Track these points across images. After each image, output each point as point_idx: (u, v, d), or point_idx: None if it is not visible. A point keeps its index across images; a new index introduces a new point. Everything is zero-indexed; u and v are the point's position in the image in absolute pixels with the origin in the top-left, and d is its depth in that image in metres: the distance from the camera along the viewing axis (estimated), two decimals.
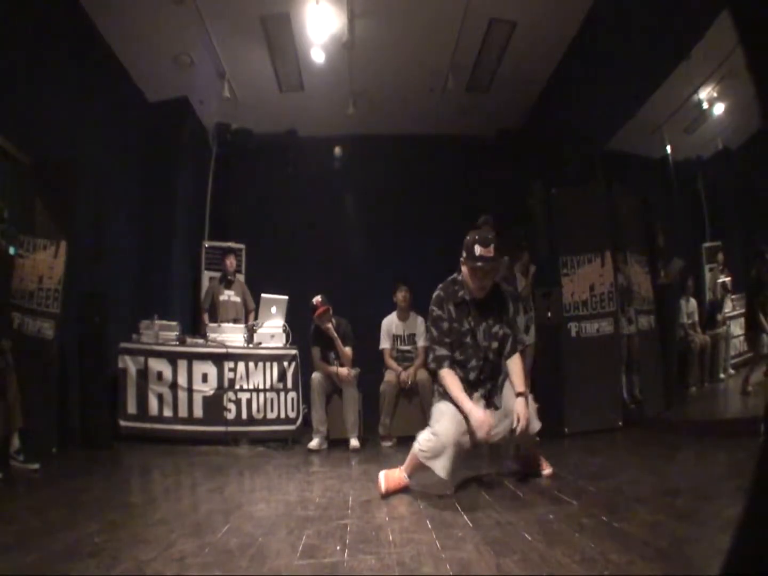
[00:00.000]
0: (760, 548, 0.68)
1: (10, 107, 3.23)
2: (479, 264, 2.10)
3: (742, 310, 3.87)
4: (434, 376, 2.30)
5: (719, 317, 4.05)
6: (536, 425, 2.15)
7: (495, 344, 2.21)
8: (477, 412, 2.03)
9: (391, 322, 4.15)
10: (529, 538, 1.42)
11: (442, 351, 2.18)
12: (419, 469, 2.13)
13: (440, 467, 2.00)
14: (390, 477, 2.16)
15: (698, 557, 1.23)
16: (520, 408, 2.08)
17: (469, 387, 2.18)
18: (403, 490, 2.14)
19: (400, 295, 4.11)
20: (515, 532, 1.49)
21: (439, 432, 2.04)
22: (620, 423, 3.59)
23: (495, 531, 1.53)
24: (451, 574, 1.21)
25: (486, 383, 2.22)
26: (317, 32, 4.44)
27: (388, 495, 2.09)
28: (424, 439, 2.09)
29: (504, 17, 4.44)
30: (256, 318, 4.29)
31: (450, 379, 2.14)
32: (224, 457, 3.40)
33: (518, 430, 2.06)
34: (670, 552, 1.25)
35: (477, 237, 2.15)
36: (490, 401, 2.20)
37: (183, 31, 4.46)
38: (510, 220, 5.05)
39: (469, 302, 2.21)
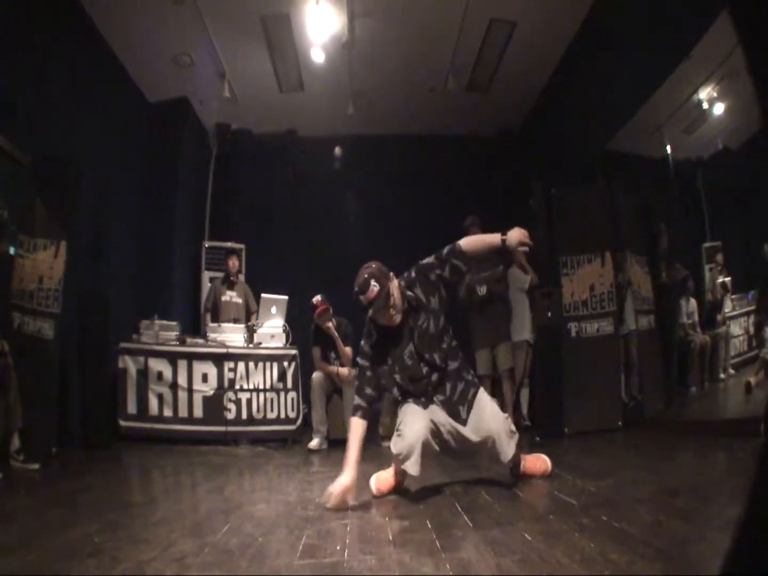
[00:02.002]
0: (760, 548, 0.68)
1: (9, 107, 3.23)
2: (372, 313, 2.03)
3: (742, 310, 3.86)
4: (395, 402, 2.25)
5: (719, 317, 4.04)
6: (509, 452, 2.03)
7: (435, 354, 2.12)
8: (339, 482, 1.94)
9: None
10: (529, 538, 1.42)
11: (358, 400, 2.13)
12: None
13: (411, 467, 1.99)
14: (380, 479, 2.15)
15: (698, 557, 1.23)
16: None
17: (427, 401, 2.14)
18: (396, 491, 2.14)
19: None
20: (515, 532, 1.49)
21: (405, 432, 2.02)
22: (620, 423, 3.59)
23: (495, 531, 1.52)
24: (451, 574, 1.21)
25: (440, 391, 2.14)
26: (317, 32, 4.45)
27: (381, 496, 2.09)
28: (393, 443, 2.07)
29: (504, 17, 4.45)
30: (257, 320, 4.29)
31: (353, 429, 2.09)
32: (224, 457, 3.40)
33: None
34: (670, 552, 1.25)
35: (356, 288, 2.02)
36: (454, 410, 2.10)
37: (183, 31, 4.47)
38: (509, 220, 5.05)
39: (386, 336, 2.14)
